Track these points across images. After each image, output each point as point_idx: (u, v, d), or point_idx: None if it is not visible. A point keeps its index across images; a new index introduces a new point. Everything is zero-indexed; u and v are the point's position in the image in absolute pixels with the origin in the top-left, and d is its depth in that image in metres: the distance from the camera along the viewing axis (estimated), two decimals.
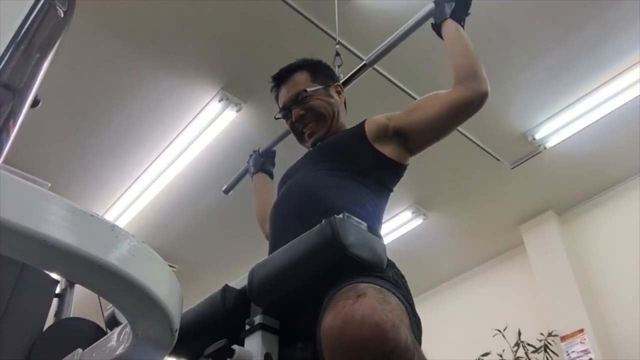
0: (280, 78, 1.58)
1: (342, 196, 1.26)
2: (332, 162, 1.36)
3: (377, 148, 1.35)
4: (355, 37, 2.78)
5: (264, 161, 1.93)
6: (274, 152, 1.97)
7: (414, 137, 1.35)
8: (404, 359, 0.78)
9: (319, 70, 1.58)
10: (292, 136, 1.64)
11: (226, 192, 2.12)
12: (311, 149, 1.54)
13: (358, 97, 3.13)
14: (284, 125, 2.08)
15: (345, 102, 1.62)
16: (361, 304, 0.81)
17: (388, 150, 1.36)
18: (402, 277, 1.14)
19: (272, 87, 1.61)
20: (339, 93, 1.59)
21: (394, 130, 1.36)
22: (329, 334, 0.81)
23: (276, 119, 1.65)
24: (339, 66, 1.83)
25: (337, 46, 1.94)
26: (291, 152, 1.64)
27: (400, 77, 3.11)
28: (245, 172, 2.02)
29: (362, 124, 1.42)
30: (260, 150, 1.96)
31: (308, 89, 1.50)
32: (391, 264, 1.16)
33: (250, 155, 1.99)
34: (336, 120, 1.52)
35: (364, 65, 1.72)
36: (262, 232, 1.81)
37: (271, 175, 1.92)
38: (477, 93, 1.28)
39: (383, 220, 1.38)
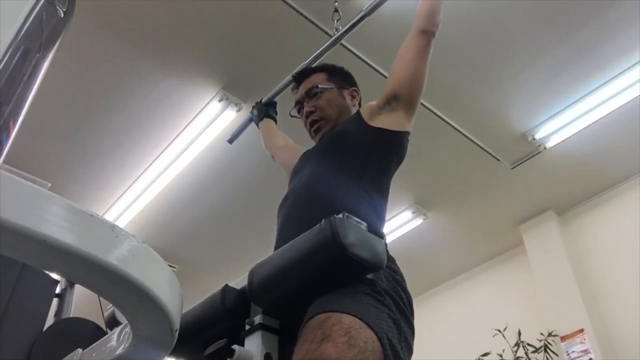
0: (300, 76, 1.70)
1: (345, 196, 1.28)
2: (337, 158, 1.40)
3: (374, 125, 1.42)
4: (356, 37, 2.77)
5: (267, 109, 2.06)
6: (276, 102, 2.08)
7: (404, 89, 1.45)
8: None
9: (337, 73, 1.68)
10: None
11: (230, 141, 2.23)
12: (317, 143, 1.59)
13: None
14: (284, 126, 2.10)
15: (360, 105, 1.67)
16: (323, 351, 0.83)
17: (383, 121, 1.42)
18: (397, 278, 1.13)
19: (292, 87, 1.74)
20: (353, 97, 1.65)
21: (384, 99, 1.46)
22: None
23: (291, 115, 1.74)
24: (337, 20, 1.96)
25: (336, 3, 2.04)
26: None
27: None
28: (249, 121, 2.14)
29: (357, 112, 1.52)
30: (262, 100, 2.08)
31: (320, 85, 1.60)
32: (390, 259, 1.17)
33: (253, 107, 2.11)
34: (342, 120, 1.57)
35: (363, 17, 1.81)
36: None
37: (275, 121, 2.05)
38: (427, 31, 1.49)
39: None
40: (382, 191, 1.37)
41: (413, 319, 1.12)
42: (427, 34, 1.49)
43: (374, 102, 1.50)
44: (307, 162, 1.49)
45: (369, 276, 1.05)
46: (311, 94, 1.60)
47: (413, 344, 1.07)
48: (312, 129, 1.59)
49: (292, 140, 1.99)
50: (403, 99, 1.44)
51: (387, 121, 1.42)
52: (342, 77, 1.68)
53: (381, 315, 0.99)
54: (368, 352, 0.86)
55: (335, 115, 1.56)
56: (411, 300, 1.14)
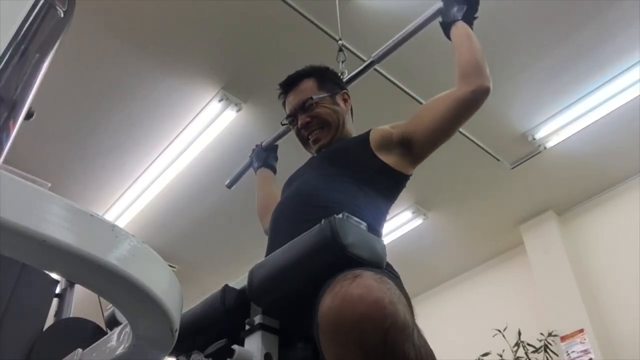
0: (288, 85, 1.58)
1: (341, 198, 1.27)
2: (333, 168, 1.37)
3: (380, 157, 1.36)
4: (356, 37, 2.78)
5: (267, 155, 1.95)
6: (277, 146, 1.98)
7: (420, 141, 1.34)
8: (402, 335, 0.78)
9: (327, 78, 1.59)
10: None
11: (229, 186, 2.11)
12: (315, 154, 1.55)
13: (359, 98, 3.13)
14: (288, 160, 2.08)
15: (352, 110, 1.62)
16: (358, 284, 0.81)
17: (390, 159, 1.36)
18: (398, 278, 1.14)
19: (280, 94, 1.61)
20: (345, 101, 1.59)
21: (398, 137, 1.36)
22: (327, 315, 0.80)
23: (282, 124, 1.67)
24: (342, 62, 1.85)
25: (340, 42, 1.95)
26: (298, 151, 1.64)
27: (401, 78, 3.11)
28: (248, 166, 2.03)
29: (367, 133, 1.43)
30: (262, 144, 1.97)
31: (314, 97, 1.50)
32: (388, 266, 1.17)
33: (253, 150, 2.01)
34: (341, 128, 1.52)
35: (370, 63, 1.72)
36: (262, 227, 1.83)
37: (274, 170, 1.94)
38: (480, 88, 1.30)
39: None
40: (377, 200, 1.33)
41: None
42: (485, 93, 1.31)
43: (388, 129, 1.39)
44: (302, 173, 1.45)
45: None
46: (305, 106, 1.51)
47: None
48: (311, 139, 1.51)
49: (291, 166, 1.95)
50: (417, 150, 1.35)
51: (395, 161, 1.36)
52: (332, 81, 1.59)
53: (395, 281, 0.99)
54: (398, 292, 0.85)
55: (335, 123, 1.50)
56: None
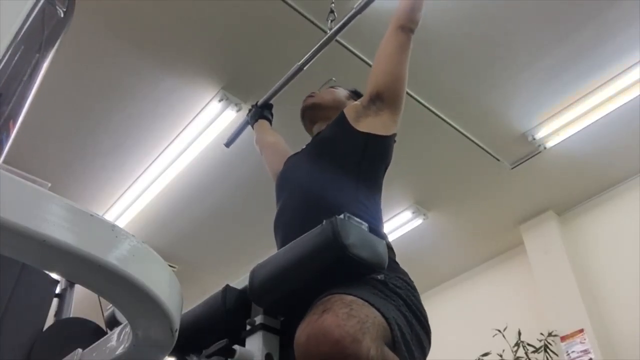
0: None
1: (341, 197, 1.28)
2: (327, 162, 1.39)
3: (360, 129, 1.40)
4: (356, 37, 2.78)
5: (262, 111, 2.06)
6: (272, 104, 2.09)
7: (386, 84, 1.43)
8: None
9: (356, 92, 1.72)
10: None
11: (227, 145, 2.22)
12: (310, 142, 1.59)
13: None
14: (283, 122, 2.11)
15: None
16: (324, 321, 0.83)
17: (370, 124, 1.40)
18: (407, 285, 1.13)
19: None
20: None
21: (367, 98, 1.44)
22: (296, 349, 0.85)
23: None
24: (331, 21, 1.95)
25: (332, 4, 2.03)
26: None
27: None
28: (245, 124, 2.14)
29: (341, 113, 1.49)
30: (258, 103, 2.08)
31: (335, 80, 1.69)
32: (394, 264, 1.17)
33: (250, 109, 2.11)
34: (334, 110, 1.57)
35: (355, 14, 1.79)
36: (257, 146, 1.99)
37: (270, 122, 2.06)
38: (405, 27, 1.47)
39: (383, 221, 1.39)
40: (375, 195, 1.37)
41: (429, 330, 1.12)
42: (406, 30, 1.48)
43: (357, 102, 1.48)
44: (298, 171, 1.47)
45: (380, 277, 1.05)
46: (325, 84, 1.68)
47: (427, 352, 1.07)
48: (305, 113, 1.63)
49: (286, 141, 1.99)
50: (387, 97, 1.42)
51: (374, 125, 1.40)
52: (357, 94, 1.71)
53: (388, 305, 1.00)
54: (368, 324, 0.86)
55: (330, 105, 1.58)
56: (426, 316, 1.13)
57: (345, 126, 1.42)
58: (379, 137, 1.39)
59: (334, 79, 1.73)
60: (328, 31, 1.90)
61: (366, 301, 0.92)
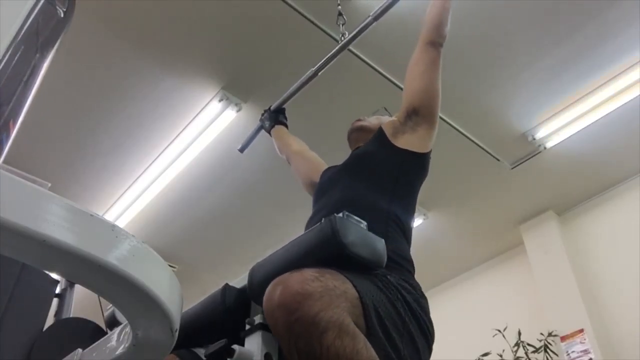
0: None
1: (373, 212, 1.26)
2: (364, 176, 1.42)
3: (398, 145, 1.43)
4: (361, 40, 2.77)
5: (276, 115, 2.07)
6: (284, 108, 2.09)
7: (421, 100, 1.46)
8: (307, 329, 0.80)
9: None
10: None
11: (241, 150, 2.21)
12: (349, 156, 1.62)
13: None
14: (296, 131, 2.12)
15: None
16: (290, 275, 0.86)
17: (407, 141, 1.43)
18: (413, 289, 1.13)
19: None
20: None
21: (404, 116, 1.45)
22: (265, 297, 0.87)
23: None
24: (342, 24, 1.96)
25: (339, 6, 2.04)
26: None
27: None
28: (259, 129, 2.14)
29: (380, 129, 1.52)
30: (271, 107, 2.09)
31: (387, 109, 1.75)
32: (401, 259, 1.18)
33: (262, 114, 2.12)
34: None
35: (371, 21, 1.80)
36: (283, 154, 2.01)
37: (286, 126, 2.07)
38: (434, 42, 1.51)
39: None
40: (409, 211, 1.39)
41: (432, 338, 1.11)
42: (435, 45, 1.51)
43: (394, 118, 1.51)
44: (335, 183, 1.49)
45: (379, 272, 1.05)
46: (376, 112, 1.77)
47: (425, 355, 1.06)
48: (352, 134, 1.67)
49: (307, 144, 2.02)
50: (423, 112, 1.45)
51: (412, 141, 1.43)
52: None
53: (373, 288, 0.99)
54: (335, 292, 0.86)
55: (375, 129, 1.60)
56: (431, 328, 1.12)
57: (384, 142, 1.46)
58: (416, 154, 1.43)
59: (385, 108, 1.78)
60: (340, 37, 1.91)
61: (346, 277, 0.93)
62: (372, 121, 1.68)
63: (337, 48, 1.89)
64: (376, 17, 1.80)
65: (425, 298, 1.17)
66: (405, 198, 1.38)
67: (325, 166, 1.71)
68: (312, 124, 3.35)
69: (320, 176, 1.63)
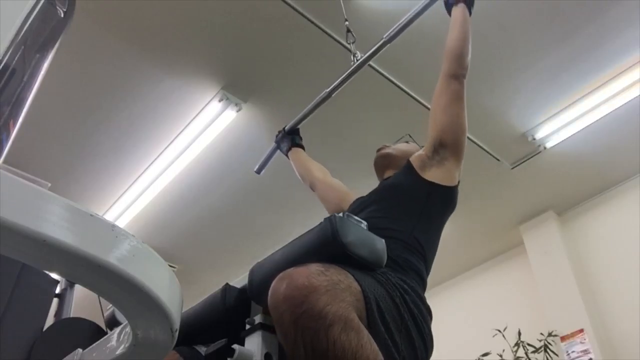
0: None
1: (395, 242, 1.28)
2: (391, 205, 1.44)
3: (425, 177, 1.44)
4: (357, 37, 2.78)
5: (292, 137, 2.06)
6: (298, 129, 2.08)
7: (447, 134, 1.46)
8: (313, 323, 0.80)
9: None
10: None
11: (258, 172, 2.18)
12: (378, 186, 1.63)
13: (358, 98, 3.13)
14: (282, 125, 2.11)
15: None
16: (295, 270, 0.87)
17: (435, 174, 1.44)
18: (413, 291, 1.13)
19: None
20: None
21: (431, 150, 1.46)
22: (269, 290, 0.88)
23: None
24: (352, 42, 1.94)
25: (347, 23, 2.02)
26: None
27: (401, 77, 3.11)
28: (274, 150, 2.12)
29: (408, 161, 1.53)
30: (285, 128, 2.08)
31: (411, 136, 1.77)
32: (406, 262, 1.18)
33: (277, 135, 2.11)
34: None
35: (383, 43, 1.80)
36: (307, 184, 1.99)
37: (304, 148, 2.06)
38: (457, 75, 1.53)
39: None
40: (431, 242, 1.41)
41: (429, 338, 1.11)
42: (458, 77, 1.52)
43: (422, 152, 1.51)
44: (362, 209, 1.50)
45: (380, 271, 1.05)
46: (400, 139, 1.78)
47: (422, 355, 1.06)
48: (377, 161, 1.69)
49: (319, 161, 2.02)
50: (450, 145, 1.45)
51: (440, 175, 1.44)
52: None
53: (374, 283, 1.00)
54: (339, 286, 0.87)
55: (401, 156, 1.63)
56: (429, 330, 1.13)
57: (412, 174, 1.47)
58: (444, 187, 1.44)
59: (409, 135, 1.79)
60: (352, 58, 1.88)
61: (348, 272, 0.93)
62: (398, 147, 1.70)
63: (349, 70, 1.87)
64: (390, 39, 1.78)
65: (427, 307, 1.17)
66: (429, 231, 1.40)
67: (353, 195, 1.73)
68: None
69: (350, 204, 1.64)
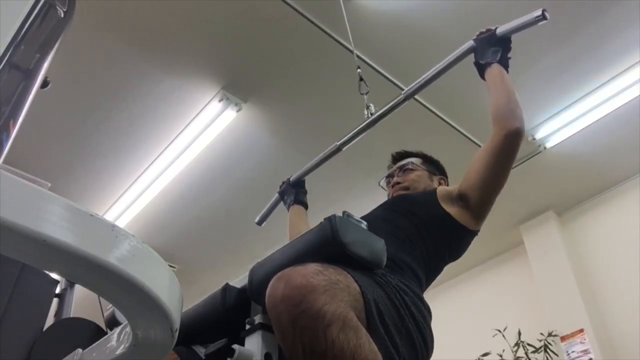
0: (398, 157, 1.79)
1: (399, 246, 1.28)
2: (401, 213, 1.42)
3: (444, 207, 1.42)
4: (357, 37, 2.78)
5: (297, 191, 1.97)
6: (304, 180, 2.00)
7: (474, 195, 1.41)
8: (312, 323, 0.80)
9: (430, 161, 1.74)
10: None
11: (259, 223, 2.10)
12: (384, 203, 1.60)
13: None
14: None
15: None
16: (294, 269, 0.86)
17: (453, 210, 1.42)
18: (412, 292, 1.13)
19: (389, 165, 1.79)
20: (440, 184, 1.69)
21: (457, 193, 1.44)
22: (267, 290, 0.87)
23: (380, 185, 1.79)
24: (366, 94, 1.85)
25: (359, 70, 1.90)
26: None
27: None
28: (277, 201, 2.05)
29: (434, 190, 1.52)
30: (290, 179, 1.99)
31: (413, 162, 1.70)
32: (403, 264, 1.18)
33: (280, 186, 2.03)
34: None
35: (403, 99, 1.69)
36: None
37: (306, 206, 1.97)
38: (510, 133, 1.35)
39: None
40: (431, 266, 1.36)
41: (430, 337, 1.11)
42: (515, 136, 1.35)
43: (450, 190, 1.48)
44: (372, 222, 1.49)
45: (380, 272, 1.05)
46: (404, 168, 1.69)
47: (422, 354, 1.06)
48: (395, 200, 1.59)
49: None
50: (472, 203, 1.42)
51: (458, 214, 1.42)
52: (434, 165, 1.74)
53: (373, 284, 0.99)
54: (337, 286, 0.87)
55: (415, 186, 1.61)
56: (429, 329, 1.12)
57: (432, 198, 1.46)
58: (456, 222, 1.41)
59: (411, 162, 1.73)
60: (366, 112, 1.78)
61: (347, 272, 0.93)
62: (408, 178, 1.65)
63: (362, 125, 1.75)
64: (410, 95, 1.68)
65: (427, 306, 1.17)
66: (433, 254, 1.37)
67: None
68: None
69: None
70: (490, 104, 1.43)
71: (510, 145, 1.36)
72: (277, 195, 2.03)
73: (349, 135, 1.80)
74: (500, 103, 1.40)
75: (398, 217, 1.41)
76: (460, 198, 1.42)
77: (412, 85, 1.68)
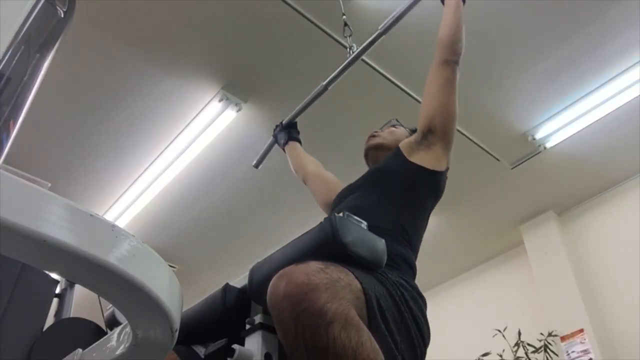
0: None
1: (383, 222, 1.30)
2: (377, 188, 1.45)
3: (413, 161, 1.45)
4: (357, 36, 2.78)
5: (289, 131, 2.09)
6: (296, 122, 2.12)
7: (437, 119, 1.46)
8: (314, 320, 0.80)
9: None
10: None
11: (256, 166, 2.22)
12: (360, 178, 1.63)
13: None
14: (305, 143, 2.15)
15: None
16: (295, 267, 0.86)
17: (422, 158, 1.44)
18: (412, 288, 1.14)
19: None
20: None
21: (420, 136, 1.47)
22: (269, 288, 0.87)
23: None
24: (349, 36, 1.98)
25: (344, 17, 2.06)
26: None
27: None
28: (272, 144, 2.16)
29: (397, 147, 1.54)
30: (283, 122, 2.11)
31: (398, 120, 1.76)
32: (402, 260, 1.18)
33: (275, 129, 2.13)
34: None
35: (379, 35, 1.82)
36: (300, 177, 2.01)
37: (300, 142, 2.08)
38: (445, 61, 1.51)
39: None
40: (417, 225, 1.39)
41: (427, 336, 1.12)
42: (450, 63, 1.50)
43: (411, 138, 1.52)
44: (349, 194, 1.52)
45: (379, 270, 1.05)
46: (387, 124, 1.76)
47: (421, 351, 1.06)
48: (369, 153, 1.68)
49: (318, 160, 2.03)
50: (438, 130, 1.45)
51: (426, 159, 1.44)
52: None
53: (375, 282, 1.00)
54: (339, 284, 0.87)
55: (392, 145, 1.61)
56: (426, 326, 1.13)
57: (400, 158, 1.48)
58: (429, 170, 1.43)
59: (396, 119, 1.79)
60: (348, 50, 1.91)
61: (349, 270, 0.93)
62: (387, 137, 1.69)
63: (345, 63, 1.89)
64: (385, 31, 1.80)
65: (422, 298, 1.17)
66: (415, 217, 1.39)
67: (342, 185, 1.72)
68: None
69: (337, 194, 1.64)
70: (440, 30, 1.57)
71: (445, 72, 1.49)
72: (271, 138, 2.15)
73: (333, 74, 1.92)
74: (444, 33, 1.55)
75: (376, 194, 1.43)
76: (425, 135, 1.46)
77: (386, 21, 1.82)
